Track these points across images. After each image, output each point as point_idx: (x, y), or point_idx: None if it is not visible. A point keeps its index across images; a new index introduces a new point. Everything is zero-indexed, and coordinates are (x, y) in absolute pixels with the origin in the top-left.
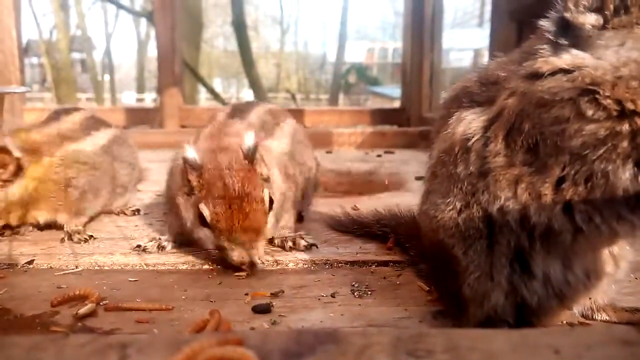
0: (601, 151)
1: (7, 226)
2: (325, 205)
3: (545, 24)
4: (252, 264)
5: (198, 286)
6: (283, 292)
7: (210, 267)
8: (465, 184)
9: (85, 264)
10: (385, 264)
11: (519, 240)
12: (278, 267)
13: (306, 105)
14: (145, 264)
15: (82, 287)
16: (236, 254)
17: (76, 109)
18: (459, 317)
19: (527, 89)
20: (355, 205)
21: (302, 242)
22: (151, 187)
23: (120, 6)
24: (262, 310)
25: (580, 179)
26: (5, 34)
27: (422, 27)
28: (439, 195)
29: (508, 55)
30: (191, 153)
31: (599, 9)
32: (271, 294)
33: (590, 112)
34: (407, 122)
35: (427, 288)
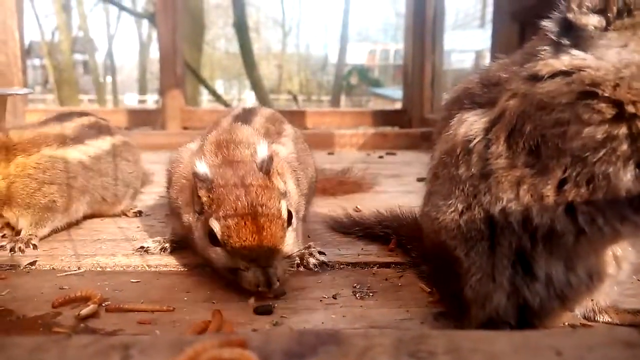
0: (601, 154)
1: (7, 224)
2: (325, 207)
3: (547, 24)
4: (269, 284)
5: (200, 287)
6: (285, 293)
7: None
8: (467, 185)
9: (88, 265)
10: (387, 265)
11: (520, 241)
12: None
13: (308, 107)
14: (147, 265)
15: (84, 288)
16: (250, 274)
17: (83, 114)
18: (461, 318)
19: (528, 91)
20: (357, 207)
21: (312, 261)
22: (153, 189)
23: (122, 8)
24: (263, 311)
25: (582, 180)
26: (8, 36)
27: (424, 29)
28: (440, 197)
29: (510, 56)
30: (202, 168)
31: (601, 11)
32: (273, 295)
33: (586, 116)
34: (408, 123)
35: (429, 289)
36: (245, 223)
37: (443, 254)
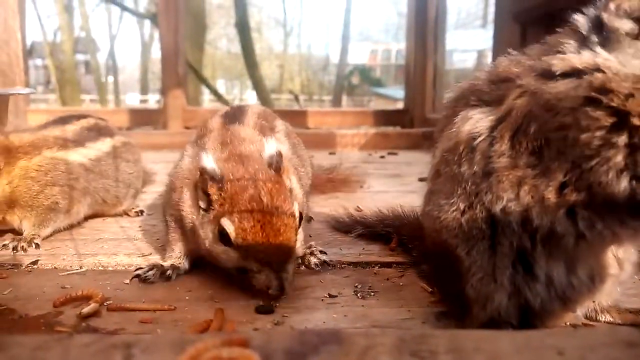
0: (593, 162)
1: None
2: (327, 207)
3: (579, 19)
4: (281, 288)
5: (201, 286)
6: (286, 293)
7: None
8: (469, 184)
9: (89, 264)
10: (388, 265)
11: (521, 241)
12: None
13: (309, 107)
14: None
15: (86, 287)
16: (264, 277)
17: (82, 117)
18: (462, 318)
19: (537, 89)
20: (358, 207)
21: (313, 260)
22: (155, 188)
23: (124, 8)
24: (265, 310)
25: (581, 186)
26: (10, 36)
27: (426, 29)
28: (442, 196)
29: (525, 50)
30: (209, 163)
31: (638, 19)
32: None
33: (584, 123)
34: (410, 123)
35: (430, 289)
36: (261, 226)
37: (444, 253)
